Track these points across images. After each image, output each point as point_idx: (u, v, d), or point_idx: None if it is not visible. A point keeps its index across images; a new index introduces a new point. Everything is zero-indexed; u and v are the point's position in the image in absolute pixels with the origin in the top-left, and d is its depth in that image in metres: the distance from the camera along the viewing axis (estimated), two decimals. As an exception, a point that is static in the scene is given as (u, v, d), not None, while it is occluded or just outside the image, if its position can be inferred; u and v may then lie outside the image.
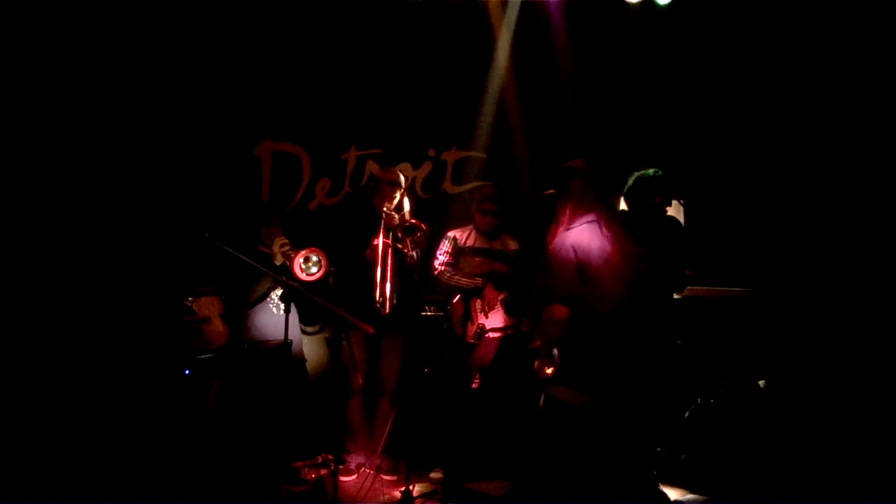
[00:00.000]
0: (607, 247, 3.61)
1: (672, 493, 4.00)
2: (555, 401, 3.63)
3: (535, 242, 4.76)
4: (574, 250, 3.59)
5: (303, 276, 4.02)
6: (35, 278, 4.38)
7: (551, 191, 3.84)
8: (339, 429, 4.37)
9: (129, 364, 4.35)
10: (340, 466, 4.12)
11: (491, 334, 4.53)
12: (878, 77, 4.63)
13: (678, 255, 3.92)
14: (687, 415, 4.28)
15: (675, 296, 4.09)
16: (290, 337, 3.77)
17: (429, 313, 4.67)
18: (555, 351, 3.72)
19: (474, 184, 5.35)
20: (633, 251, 3.64)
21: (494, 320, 4.54)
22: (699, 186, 4.91)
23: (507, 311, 4.56)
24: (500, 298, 4.54)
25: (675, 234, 3.95)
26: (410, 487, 3.85)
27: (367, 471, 4.34)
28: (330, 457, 4.02)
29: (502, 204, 4.58)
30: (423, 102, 5.30)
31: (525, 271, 4.56)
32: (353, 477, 4.36)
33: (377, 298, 4.08)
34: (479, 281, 4.48)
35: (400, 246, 4.14)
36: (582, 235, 3.64)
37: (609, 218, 3.73)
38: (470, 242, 4.59)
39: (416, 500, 3.91)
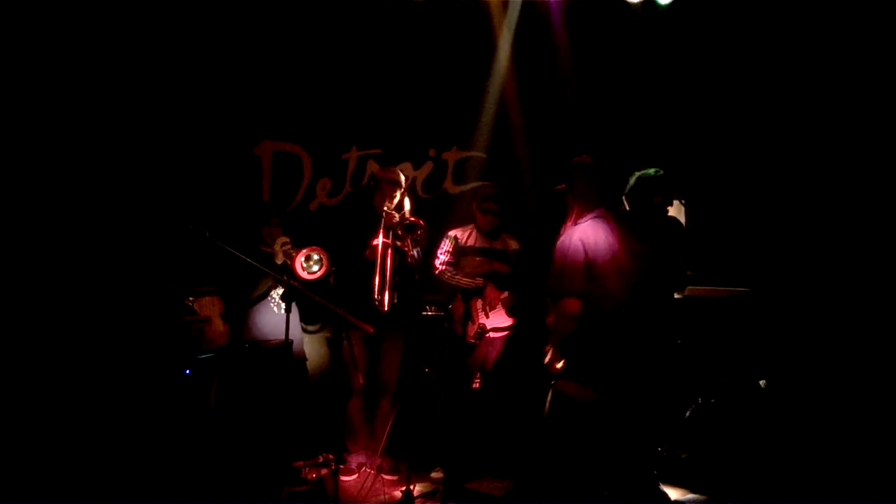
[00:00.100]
0: (614, 243, 3.61)
1: (672, 493, 4.00)
2: (562, 395, 3.63)
3: (535, 242, 4.79)
4: (583, 244, 3.58)
5: (304, 275, 4.02)
6: (35, 278, 4.37)
7: (562, 185, 3.84)
8: (340, 428, 4.38)
9: (130, 364, 4.34)
10: (341, 466, 4.13)
11: (492, 334, 4.53)
12: (878, 77, 4.63)
13: (679, 254, 3.92)
14: (687, 414, 4.29)
15: (676, 295, 4.09)
16: (290, 336, 3.78)
17: (429, 313, 4.67)
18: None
19: (475, 183, 5.34)
20: (637, 249, 3.64)
21: (495, 320, 4.54)
22: (700, 186, 4.92)
23: (508, 310, 4.57)
24: (500, 298, 4.54)
25: (675, 234, 3.95)
26: (411, 487, 3.85)
27: (368, 470, 4.34)
28: (331, 456, 4.02)
29: (503, 203, 4.58)
30: (424, 102, 5.30)
31: (525, 271, 4.56)
32: (354, 476, 4.36)
33: (376, 297, 4.08)
34: (479, 280, 4.48)
35: (400, 244, 4.14)
36: (589, 230, 3.63)
37: (614, 215, 3.74)
38: (471, 242, 4.58)
39: (417, 500, 3.92)
